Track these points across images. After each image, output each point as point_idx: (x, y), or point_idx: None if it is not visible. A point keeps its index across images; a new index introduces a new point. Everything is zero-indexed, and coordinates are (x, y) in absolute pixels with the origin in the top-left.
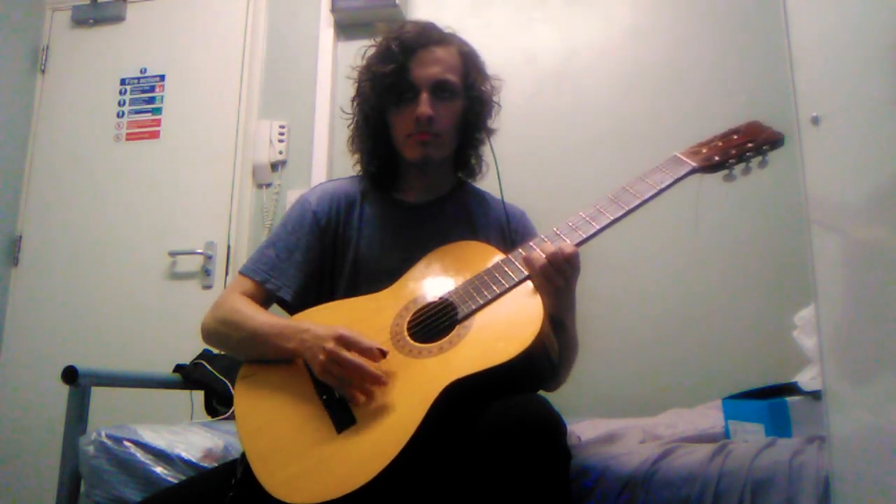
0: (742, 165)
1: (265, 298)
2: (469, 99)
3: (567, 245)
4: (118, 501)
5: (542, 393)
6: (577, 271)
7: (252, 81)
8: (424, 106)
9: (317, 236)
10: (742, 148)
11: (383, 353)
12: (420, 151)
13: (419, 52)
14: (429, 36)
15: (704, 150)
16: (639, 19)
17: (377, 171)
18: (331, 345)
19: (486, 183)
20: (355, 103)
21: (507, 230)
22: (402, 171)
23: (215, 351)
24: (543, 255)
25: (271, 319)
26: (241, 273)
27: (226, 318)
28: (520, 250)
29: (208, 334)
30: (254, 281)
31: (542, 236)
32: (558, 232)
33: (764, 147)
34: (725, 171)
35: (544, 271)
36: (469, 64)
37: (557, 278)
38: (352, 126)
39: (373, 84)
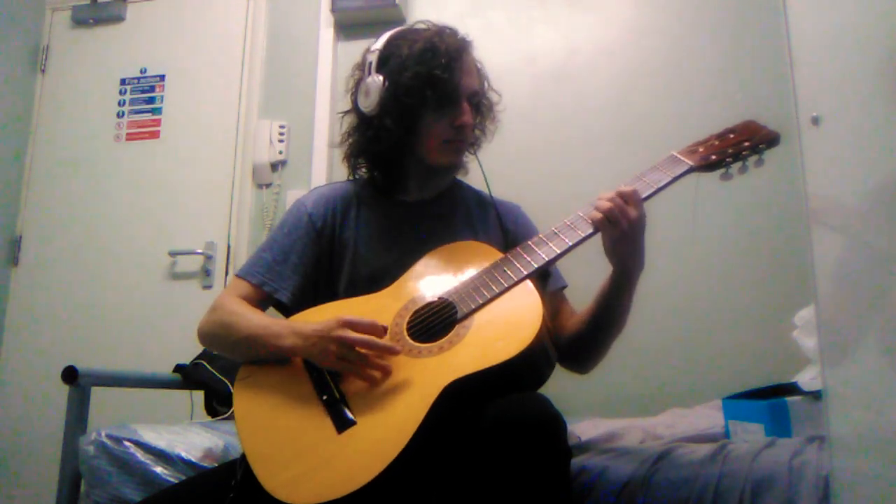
0: (739, 164)
1: (262, 301)
2: (478, 108)
3: (626, 186)
4: (118, 501)
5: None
6: (641, 215)
7: (252, 81)
8: (468, 115)
9: (313, 239)
10: (738, 147)
11: (385, 329)
12: (455, 158)
13: (463, 58)
14: (466, 43)
15: (701, 150)
16: (639, 19)
17: (383, 175)
18: (339, 332)
19: (479, 183)
20: (383, 98)
21: (502, 227)
22: (406, 174)
23: (215, 351)
24: (606, 198)
25: (265, 320)
26: (238, 276)
27: (221, 320)
28: (519, 249)
29: (205, 337)
30: (250, 283)
31: (542, 236)
32: (557, 231)
33: (760, 146)
34: (722, 170)
35: (610, 213)
36: (482, 74)
37: (622, 220)
38: (363, 126)
39: (421, 79)
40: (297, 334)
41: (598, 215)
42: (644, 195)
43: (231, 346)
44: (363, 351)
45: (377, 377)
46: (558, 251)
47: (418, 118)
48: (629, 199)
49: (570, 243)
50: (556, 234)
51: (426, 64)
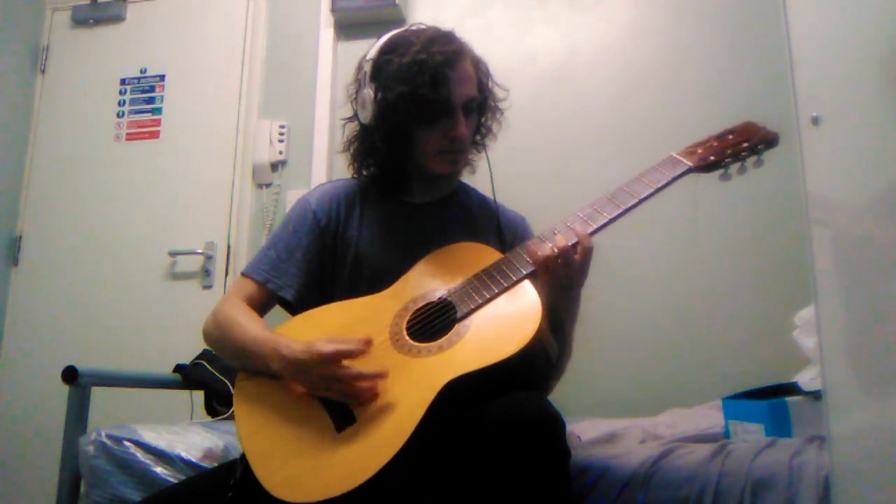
0: (738, 165)
1: (267, 299)
2: (481, 108)
3: (584, 236)
4: (118, 501)
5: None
6: (584, 268)
7: (252, 81)
8: (462, 126)
9: (317, 236)
10: (737, 148)
11: (368, 343)
12: (451, 168)
13: (453, 69)
14: (458, 52)
15: (700, 150)
16: (639, 19)
17: (385, 180)
18: (318, 370)
19: (483, 186)
20: (375, 113)
21: (500, 236)
22: (408, 177)
23: (218, 354)
24: (552, 245)
25: (255, 334)
26: (243, 274)
27: (222, 325)
28: (518, 249)
29: (208, 339)
30: (255, 281)
31: (539, 236)
32: (556, 231)
33: (759, 147)
34: (721, 171)
35: (548, 262)
36: (482, 74)
37: (560, 272)
38: (362, 135)
39: (406, 99)
40: (282, 359)
41: (539, 256)
42: (644, 195)
43: (229, 353)
44: (348, 384)
45: (364, 400)
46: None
47: (411, 133)
48: (579, 242)
49: (568, 244)
50: (555, 234)
51: (411, 82)
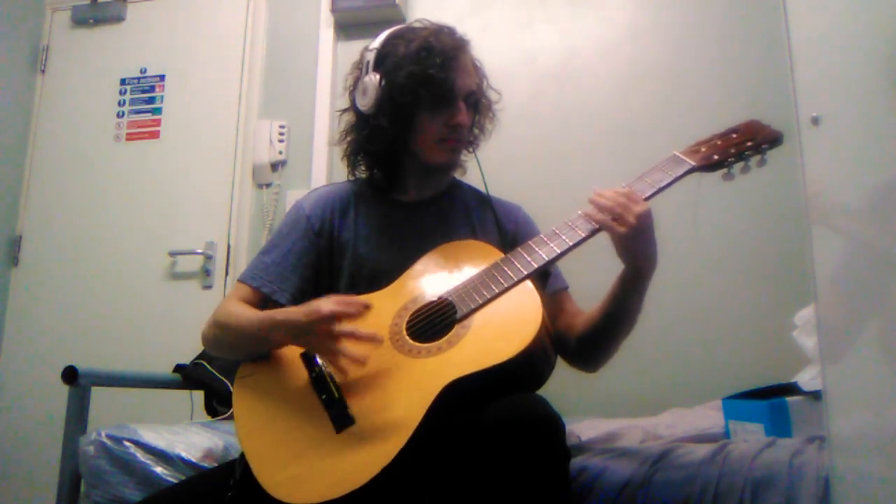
0: (741, 164)
1: (263, 303)
2: (476, 107)
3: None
4: (118, 501)
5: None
6: (647, 211)
7: (252, 81)
8: (464, 115)
9: (311, 240)
10: (741, 147)
11: (367, 307)
12: (450, 157)
13: (459, 58)
14: (463, 43)
15: (703, 149)
16: (639, 19)
17: (379, 170)
18: (318, 326)
19: (478, 183)
20: (378, 98)
21: (499, 227)
22: (403, 173)
23: (219, 355)
24: (607, 196)
25: (255, 314)
26: (239, 280)
27: (219, 321)
28: (519, 249)
29: (206, 341)
30: (250, 286)
31: (542, 236)
32: (557, 231)
33: (763, 146)
34: (724, 170)
35: (612, 211)
36: (480, 73)
37: (628, 216)
38: (360, 124)
39: (416, 79)
40: (283, 325)
41: (599, 214)
42: (645, 195)
43: (228, 345)
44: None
45: (359, 361)
46: (559, 251)
47: (414, 117)
48: (630, 196)
49: (571, 243)
50: (556, 234)
51: (421, 63)
